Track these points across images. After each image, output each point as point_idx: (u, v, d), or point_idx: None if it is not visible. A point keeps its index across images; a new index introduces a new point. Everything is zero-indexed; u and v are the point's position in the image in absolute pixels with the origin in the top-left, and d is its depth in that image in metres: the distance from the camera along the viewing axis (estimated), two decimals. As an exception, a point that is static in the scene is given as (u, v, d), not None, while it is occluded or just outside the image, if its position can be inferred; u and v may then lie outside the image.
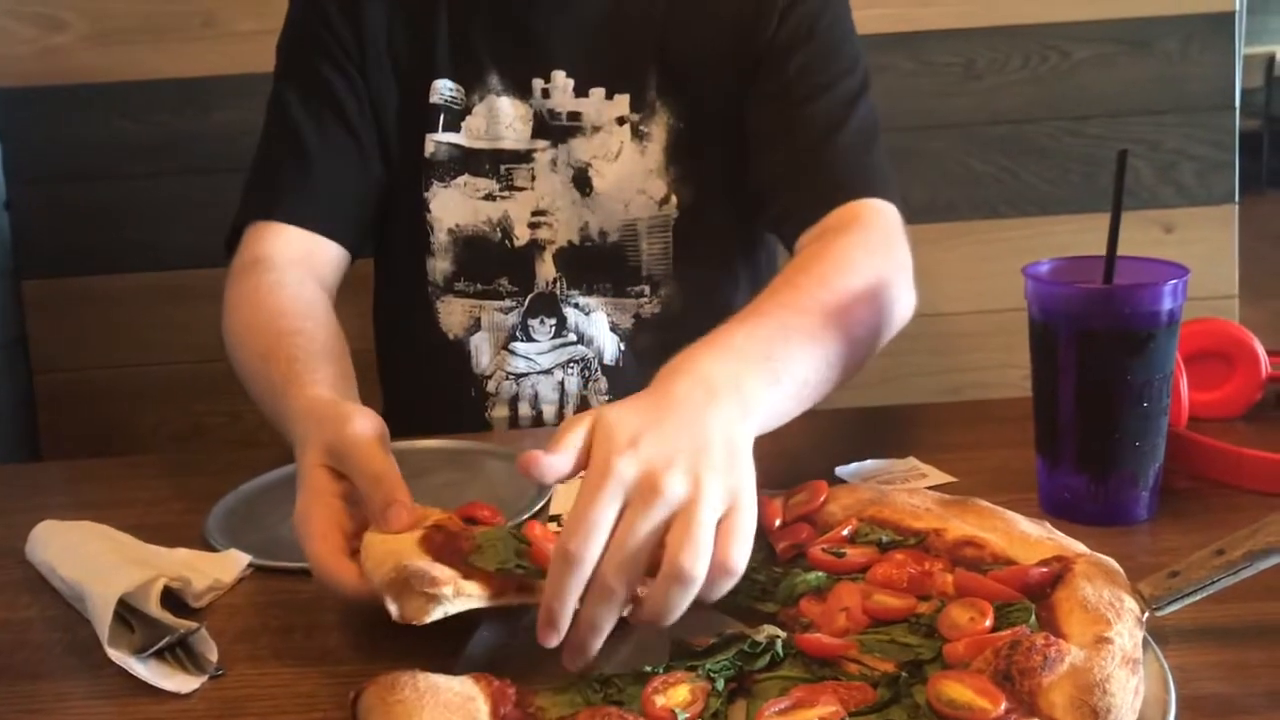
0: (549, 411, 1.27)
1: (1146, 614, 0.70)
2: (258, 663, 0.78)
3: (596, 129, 1.24)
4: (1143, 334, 0.86)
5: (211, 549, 0.93)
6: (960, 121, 1.79)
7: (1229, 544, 0.71)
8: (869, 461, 1.02)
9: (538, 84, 1.24)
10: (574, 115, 1.24)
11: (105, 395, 1.81)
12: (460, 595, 0.71)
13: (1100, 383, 0.88)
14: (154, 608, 0.80)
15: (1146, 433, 0.88)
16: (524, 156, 1.25)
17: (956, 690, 0.63)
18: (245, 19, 1.73)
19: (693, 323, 1.22)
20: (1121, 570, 0.72)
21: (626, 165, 1.24)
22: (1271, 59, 7.69)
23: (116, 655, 0.76)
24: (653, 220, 1.25)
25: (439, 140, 1.25)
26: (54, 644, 0.82)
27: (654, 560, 0.70)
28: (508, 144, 1.25)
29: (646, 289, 1.26)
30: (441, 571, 0.71)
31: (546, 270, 1.26)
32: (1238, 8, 1.76)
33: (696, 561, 0.68)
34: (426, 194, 1.25)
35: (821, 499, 0.85)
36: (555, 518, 0.95)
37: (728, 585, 0.71)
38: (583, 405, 1.26)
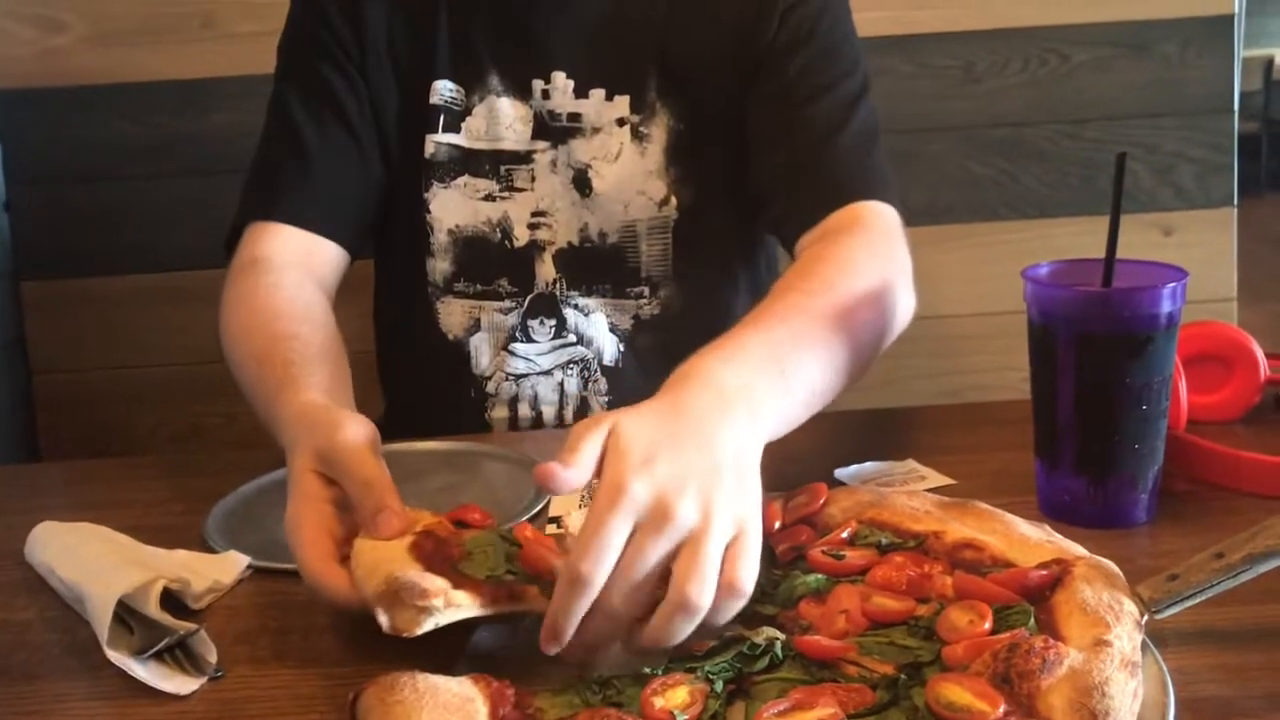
0: (549, 412, 1.27)
1: (1146, 617, 0.70)
2: (257, 664, 0.78)
3: (596, 130, 1.24)
4: (1141, 337, 0.86)
5: (211, 550, 0.93)
6: (959, 124, 1.79)
7: (1228, 547, 0.71)
8: (868, 464, 1.02)
9: (538, 85, 1.24)
10: (574, 116, 1.24)
11: (104, 396, 1.81)
12: (451, 606, 0.71)
13: (1099, 385, 0.88)
14: (153, 609, 0.80)
15: (1145, 435, 0.88)
16: (524, 157, 1.25)
17: (955, 693, 0.63)
18: (244, 21, 1.73)
19: (692, 324, 1.23)
20: (1120, 573, 0.72)
21: (626, 166, 1.24)
22: (1270, 62, 7.69)
23: (116, 657, 0.76)
24: (652, 221, 1.25)
25: (439, 141, 1.25)
26: (53, 645, 0.82)
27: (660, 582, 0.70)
28: (508, 145, 1.25)
29: (646, 290, 1.26)
30: (431, 583, 0.71)
31: (546, 271, 1.26)
32: (1236, 11, 1.76)
33: (703, 592, 0.69)
34: (426, 194, 1.25)
35: (821, 501, 0.85)
36: (555, 519, 0.95)
37: (736, 607, 0.71)
38: (582, 406, 1.26)
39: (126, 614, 0.80)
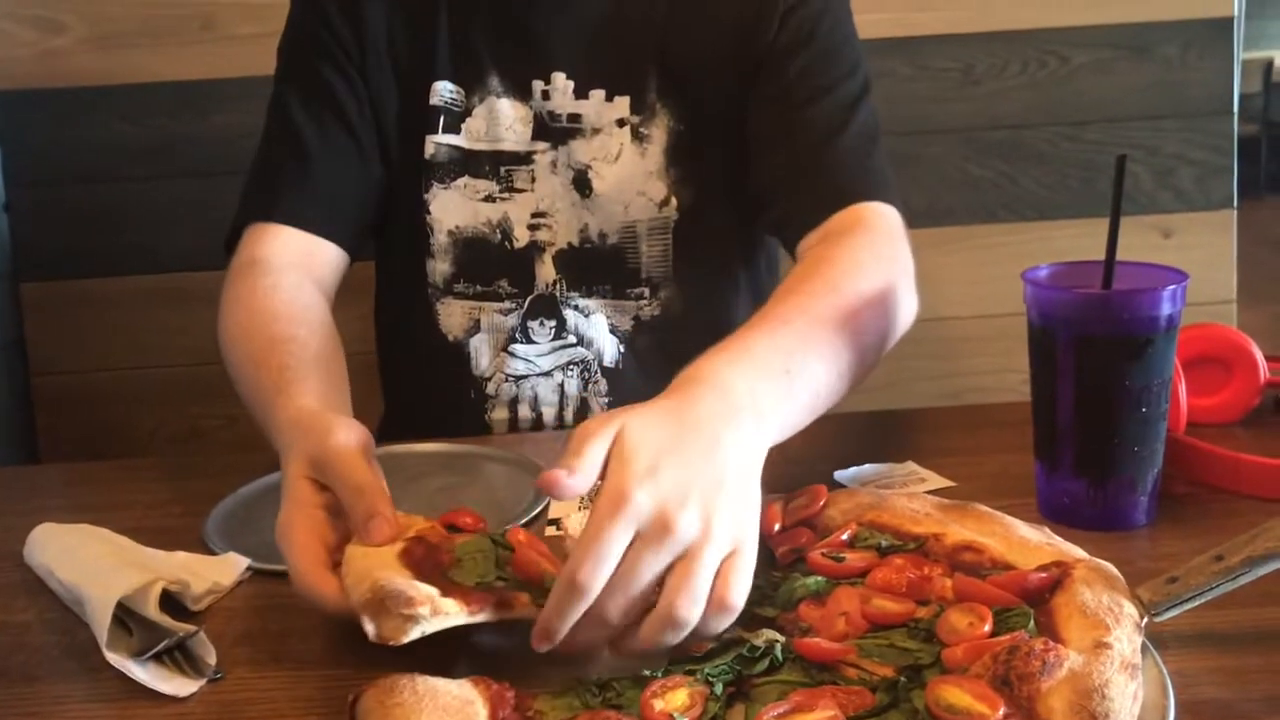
0: (549, 414, 1.27)
1: (1145, 619, 0.70)
2: (256, 666, 0.78)
3: (596, 131, 1.24)
4: (1141, 339, 0.86)
5: (210, 552, 0.93)
6: (959, 126, 1.79)
7: (1228, 550, 0.71)
8: (868, 466, 1.02)
9: (538, 86, 1.24)
10: (574, 117, 1.24)
11: (103, 398, 1.81)
12: (438, 614, 0.70)
13: (1099, 388, 0.88)
14: (153, 611, 0.80)
15: (1145, 438, 0.88)
16: (524, 158, 1.25)
17: (955, 695, 0.63)
18: (243, 22, 1.73)
19: (692, 325, 1.23)
20: (1120, 575, 0.72)
21: (626, 167, 1.24)
22: (1270, 64, 7.69)
23: (115, 658, 0.76)
24: (652, 222, 1.25)
25: (439, 142, 1.25)
26: (52, 647, 0.82)
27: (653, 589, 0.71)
28: (508, 146, 1.25)
29: (646, 291, 1.26)
30: (418, 591, 0.71)
31: (546, 272, 1.26)
32: (1236, 13, 1.76)
33: (692, 608, 0.69)
34: (426, 195, 1.25)
35: (821, 503, 0.85)
36: (555, 521, 0.95)
37: (726, 622, 0.72)
38: (582, 407, 1.26)
39: (126, 616, 0.80)
